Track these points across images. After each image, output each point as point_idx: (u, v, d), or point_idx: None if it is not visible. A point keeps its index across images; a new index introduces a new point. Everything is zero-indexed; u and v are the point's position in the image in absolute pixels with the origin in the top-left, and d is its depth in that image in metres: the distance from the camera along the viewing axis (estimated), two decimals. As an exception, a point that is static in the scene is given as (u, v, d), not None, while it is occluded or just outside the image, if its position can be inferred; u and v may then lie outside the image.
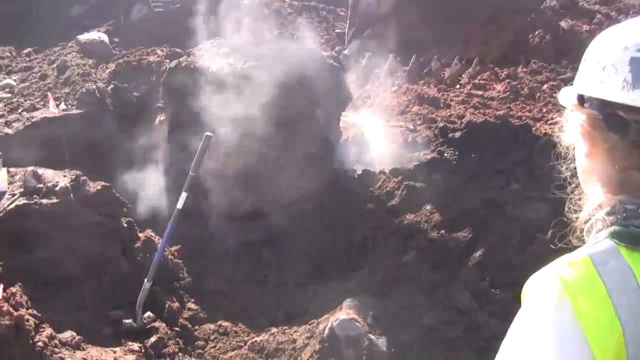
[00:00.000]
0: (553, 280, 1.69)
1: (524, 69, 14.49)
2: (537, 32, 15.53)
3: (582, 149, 1.94)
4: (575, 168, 2.05)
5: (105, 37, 13.59)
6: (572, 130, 1.98)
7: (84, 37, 13.25)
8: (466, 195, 8.00)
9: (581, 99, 1.91)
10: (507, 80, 13.73)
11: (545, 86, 13.37)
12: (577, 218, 1.97)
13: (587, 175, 1.96)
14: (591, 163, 1.91)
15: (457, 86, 13.79)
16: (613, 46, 1.84)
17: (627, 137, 1.77)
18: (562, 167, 2.09)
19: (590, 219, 1.86)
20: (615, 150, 1.81)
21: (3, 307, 5.13)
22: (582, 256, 1.71)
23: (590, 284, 1.66)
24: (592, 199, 1.89)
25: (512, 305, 6.27)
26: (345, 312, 6.41)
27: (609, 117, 1.79)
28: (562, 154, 2.08)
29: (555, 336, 1.65)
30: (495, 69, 14.28)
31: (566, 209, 2.09)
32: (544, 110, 12.14)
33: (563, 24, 16.13)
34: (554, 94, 13.11)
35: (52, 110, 9.43)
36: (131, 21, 15.88)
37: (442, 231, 7.62)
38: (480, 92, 13.30)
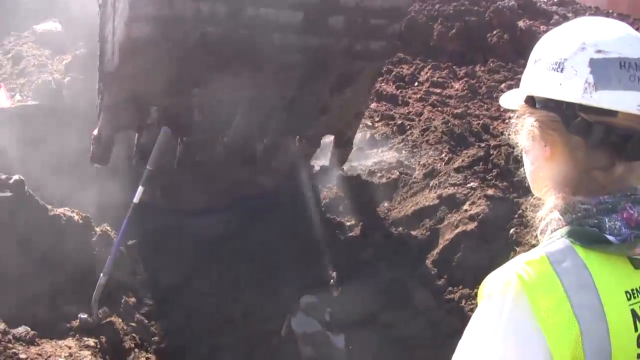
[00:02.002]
0: (511, 279, 1.71)
1: (482, 68, 14.59)
2: (495, 32, 15.64)
3: (537, 152, 1.94)
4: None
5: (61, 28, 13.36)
6: (523, 133, 1.98)
7: (40, 27, 13.03)
8: (424, 192, 8.03)
9: (532, 101, 1.91)
10: (465, 79, 13.80)
11: (503, 85, 13.46)
12: (534, 218, 1.98)
13: (540, 177, 1.97)
14: (547, 165, 1.92)
15: (416, 84, 13.84)
16: (568, 47, 1.85)
17: (590, 138, 1.78)
18: (520, 169, 2.10)
19: (544, 219, 1.87)
20: (577, 152, 1.82)
21: (-46, 301, 5.05)
22: (538, 255, 1.75)
23: (547, 282, 1.68)
24: (548, 200, 1.90)
25: (470, 303, 6.35)
26: (302, 309, 6.40)
27: (569, 118, 1.80)
28: (520, 157, 2.08)
29: (513, 334, 1.67)
30: (454, 67, 14.35)
31: (527, 209, 2.10)
32: (502, 109, 12.22)
33: (521, 23, 16.27)
34: (511, 93, 13.21)
35: (4, 102, 9.27)
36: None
37: (400, 228, 7.64)
38: (438, 90, 13.35)
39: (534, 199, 2.04)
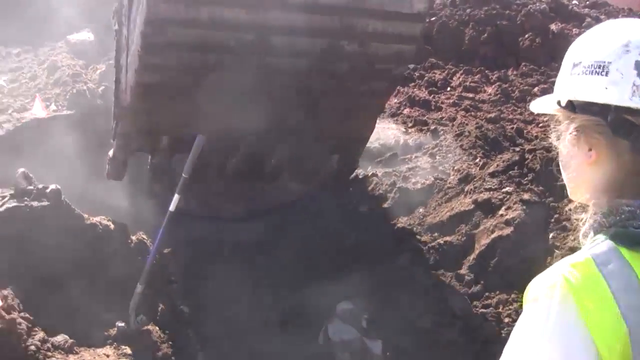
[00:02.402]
0: (557, 281, 1.71)
1: (515, 72, 14.52)
2: (527, 35, 15.56)
3: (580, 157, 1.92)
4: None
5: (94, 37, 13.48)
6: (565, 138, 1.97)
7: (73, 37, 13.15)
8: (459, 198, 8.00)
9: (572, 106, 1.89)
10: (497, 83, 13.73)
11: (536, 89, 13.37)
12: (577, 221, 1.97)
13: (583, 182, 1.95)
14: (590, 169, 1.90)
15: (448, 89, 13.79)
16: (610, 49, 1.84)
17: (637, 141, 1.76)
18: (561, 174, 2.08)
19: (588, 222, 1.86)
20: (623, 155, 1.81)
21: (-5, 310, 5.09)
22: (584, 257, 1.74)
23: (594, 284, 1.67)
24: (590, 203, 1.86)
25: (507, 308, 6.30)
26: (339, 316, 6.40)
27: (616, 122, 1.78)
28: (560, 162, 2.06)
29: (561, 336, 1.66)
30: (486, 71, 14.29)
31: (564, 212, 2.10)
32: (535, 113, 12.13)
33: (553, 27, 16.17)
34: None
35: (40, 112, 9.36)
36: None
37: (436, 234, 7.62)
38: (471, 95, 13.29)
39: (576, 203, 2.02)
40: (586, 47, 1.88)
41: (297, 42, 6.75)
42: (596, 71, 1.80)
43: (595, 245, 1.76)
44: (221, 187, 8.14)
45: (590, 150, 1.85)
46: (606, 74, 1.78)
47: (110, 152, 7.67)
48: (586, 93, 1.82)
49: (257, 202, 8.40)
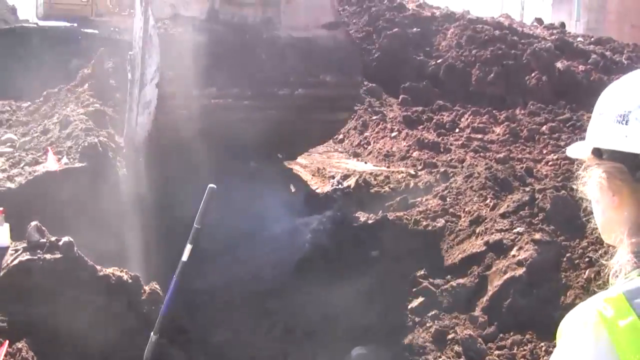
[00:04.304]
0: (591, 316, 1.74)
1: (522, 111, 14.57)
2: (533, 74, 15.64)
3: (606, 201, 1.97)
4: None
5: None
6: (591, 185, 2.02)
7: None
8: (470, 239, 8.00)
9: (599, 152, 1.94)
10: (506, 123, 13.79)
11: (544, 127, 13.43)
12: (607, 262, 2.01)
13: (612, 225, 2.00)
14: (616, 213, 1.95)
15: (457, 130, 13.84)
16: (631, 99, 1.90)
17: None
18: (593, 223, 2.14)
19: (619, 262, 1.89)
20: None
21: (9, 364, 5.10)
22: (616, 293, 1.76)
23: (627, 319, 1.69)
24: (621, 244, 1.90)
25: (522, 349, 6.26)
26: (354, 361, 6.38)
27: (636, 168, 1.83)
28: (589, 208, 2.12)
29: None
30: (494, 111, 14.35)
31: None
32: (544, 151, 12.19)
33: (559, 64, 16.25)
34: (553, 135, 13.18)
35: (52, 165, 9.41)
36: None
37: (448, 276, 7.60)
38: (479, 136, 13.35)
39: (604, 248, 2.06)
40: (611, 97, 1.94)
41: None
42: (618, 120, 1.86)
43: (628, 281, 1.80)
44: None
45: (614, 195, 1.90)
46: (626, 123, 1.83)
47: None
48: (609, 141, 1.89)
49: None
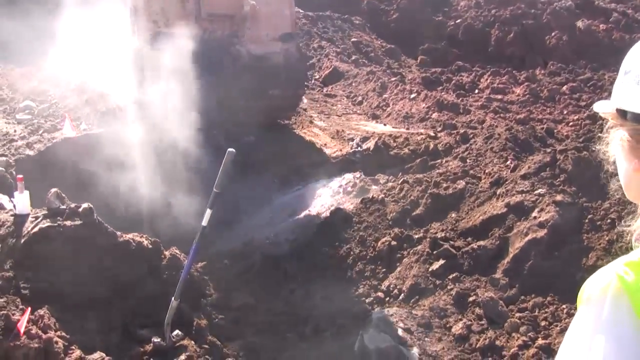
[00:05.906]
0: (611, 280, 1.69)
1: (542, 71, 14.43)
2: (553, 34, 15.46)
3: (627, 163, 1.90)
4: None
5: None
6: (614, 145, 1.94)
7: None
8: (491, 201, 7.95)
9: (623, 113, 1.86)
10: (526, 84, 13.65)
11: (564, 87, 13.29)
12: (628, 227, 1.97)
13: (633, 186, 1.93)
14: (636, 175, 1.88)
15: (476, 91, 13.73)
16: None
17: None
18: (614, 184, 2.07)
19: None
20: None
21: (31, 330, 5.11)
22: (637, 257, 1.71)
23: None
24: None
25: (543, 311, 6.23)
26: (374, 325, 6.37)
27: None
28: (611, 170, 2.05)
29: (615, 334, 1.65)
30: (514, 72, 14.21)
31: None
32: (565, 112, 12.07)
33: (579, 24, 16.05)
34: (573, 95, 13.04)
35: (70, 132, 9.42)
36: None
37: (469, 238, 7.57)
38: (499, 96, 13.23)
39: (630, 210, 2.01)
40: (637, 57, 1.85)
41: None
42: None
43: None
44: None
45: (635, 158, 1.83)
46: None
47: None
48: (632, 103, 1.80)
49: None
